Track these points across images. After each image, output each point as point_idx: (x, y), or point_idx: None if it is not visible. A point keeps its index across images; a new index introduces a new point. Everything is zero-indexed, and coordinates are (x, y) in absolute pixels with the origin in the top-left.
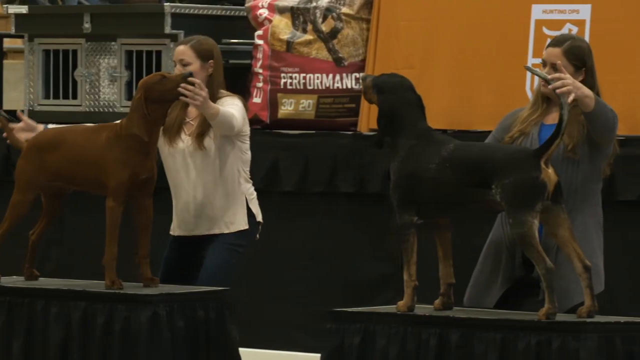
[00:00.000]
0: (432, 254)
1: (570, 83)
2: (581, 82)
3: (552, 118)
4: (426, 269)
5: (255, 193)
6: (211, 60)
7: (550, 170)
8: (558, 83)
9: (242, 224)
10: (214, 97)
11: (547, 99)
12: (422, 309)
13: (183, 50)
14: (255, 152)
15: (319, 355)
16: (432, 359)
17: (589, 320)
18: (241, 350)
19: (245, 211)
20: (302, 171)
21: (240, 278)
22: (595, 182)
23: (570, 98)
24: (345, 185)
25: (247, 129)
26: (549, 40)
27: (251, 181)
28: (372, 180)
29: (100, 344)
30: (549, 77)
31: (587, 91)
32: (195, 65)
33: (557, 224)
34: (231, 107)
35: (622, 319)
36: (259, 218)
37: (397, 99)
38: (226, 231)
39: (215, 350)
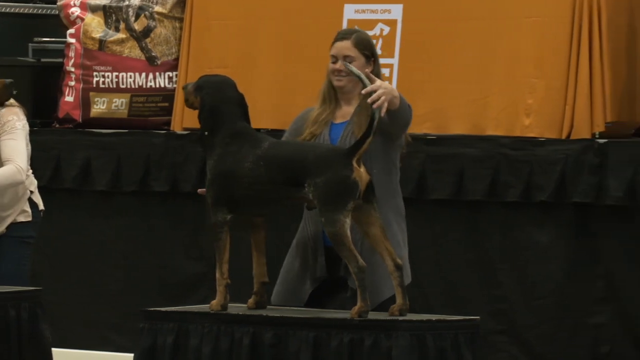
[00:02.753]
0: (247, 252)
1: (384, 93)
2: (371, 72)
3: (342, 115)
4: (240, 268)
5: (36, 182)
6: None
7: (362, 169)
8: (374, 96)
9: (29, 216)
10: None
11: (335, 97)
12: (236, 308)
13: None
14: (68, 152)
15: (132, 355)
16: (246, 358)
17: (400, 318)
18: (54, 350)
19: (28, 203)
20: (115, 170)
21: (53, 277)
22: (392, 173)
23: (383, 111)
24: (158, 184)
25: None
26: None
27: (31, 171)
28: (185, 179)
29: None
30: (366, 89)
31: (395, 92)
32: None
33: (369, 222)
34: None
35: (434, 317)
36: (41, 206)
37: (218, 96)
38: (14, 224)
39: (27, 351)
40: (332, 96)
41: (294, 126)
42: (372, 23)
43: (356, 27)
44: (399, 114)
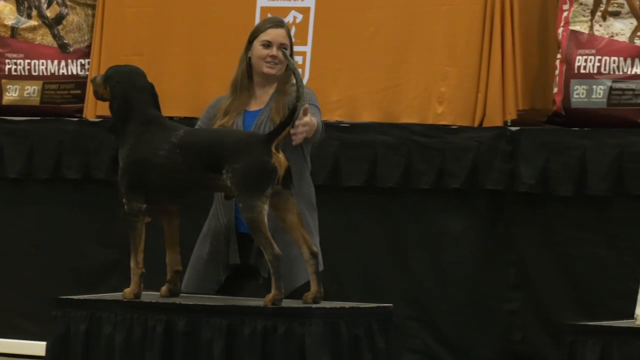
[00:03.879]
0: (160, 240)
1: (306, 131)
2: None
3: (256, 103)
4: (153, 256)
5: None
6: None
7: (281, 155)
8: (298, 130)
9: None
10: None
11: (248, 86)
12: (149, 296)
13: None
14: None
15: (44, 343)
16: (159, 346)
17: (314, 306)
18: None
19: None
20: (27, 158)
21: None
22: (304, 165)
23: (297, 143)
24: (70, 171)
25: None
26: (263, 21)
27: None
28: (98, 166)
29: None
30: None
31: (315, 126)
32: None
33: (286, 208)
34: None
35: (347, 304)
36: None
37: (128, 85)
38: None
39: None
40: (245, 85)
41: (207, 115)
42: (285, 11)
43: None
44: (312, 140)
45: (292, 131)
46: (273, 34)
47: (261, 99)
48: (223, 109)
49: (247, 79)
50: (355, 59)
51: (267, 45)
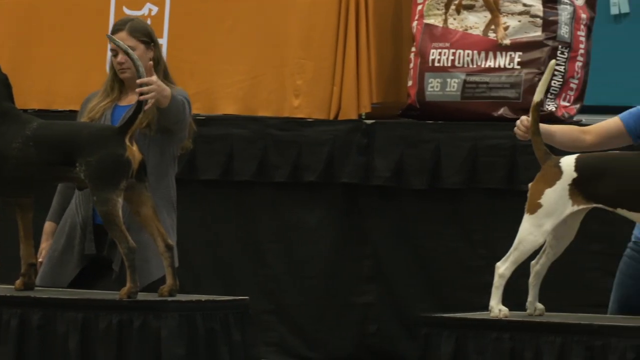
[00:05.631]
0: (14, 233)
1: (153, 89)
2: (152, 57)
3: (128, 100)
4: (7, 249)
5: None
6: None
7: (135, 148)
8: (144, 88)
9: None
10: None
11: (119, 88)
12: (3, 289)
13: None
14: None
15: None
16: (13, 341)
17: (170, 299)
18: None
19: None
20: None
21: None
22: (169, 165)
23: (149, 105)
24: None
25: None
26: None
27: None
28: None
29: None
30: (141, 80)
31: (166, 91)
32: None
33: (141, 202)
34: None
35: (203, 297)
36: None
37: None
38: None
39: None
40: (116, 87)
41: (82, 108)
42: (140, 3)
43: (131, 17)
44: (169, 110)
45: (137, 90)
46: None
47: (133, 95)
48: (90, 107)
49: (117, 82)
50: (212, 52)
51: (115, 53)
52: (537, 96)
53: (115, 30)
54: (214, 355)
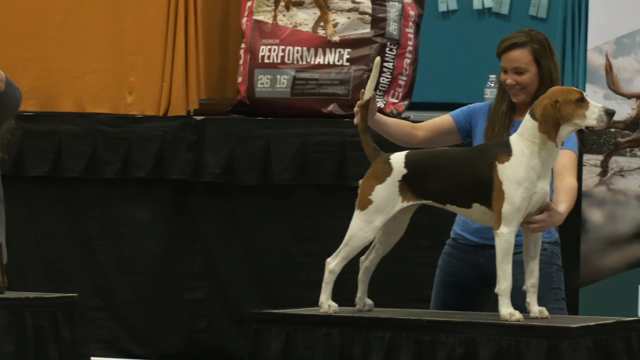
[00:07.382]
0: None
1: None
2: None
3: None
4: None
5: None
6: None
7: None
8: None
9: None
10: None
11: None
12: None
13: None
14: None
15: None
16: None
17: None
18: None
19: None
20: None
21: None
22: None
23: None
24: None
25: None
26: None
27: None
28: None
29: None
30: None
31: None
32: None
33: None
34: None
35: (32, 294)
36: None
37: None
38: None
39: None
40: None
41: None
42: None
43: None
44: (6, 97)
45: None
46: None
47: None
48: None
49: None
50: (45, 48)
51: None
52: (367, 94)
53: None
54: (42, 353)
